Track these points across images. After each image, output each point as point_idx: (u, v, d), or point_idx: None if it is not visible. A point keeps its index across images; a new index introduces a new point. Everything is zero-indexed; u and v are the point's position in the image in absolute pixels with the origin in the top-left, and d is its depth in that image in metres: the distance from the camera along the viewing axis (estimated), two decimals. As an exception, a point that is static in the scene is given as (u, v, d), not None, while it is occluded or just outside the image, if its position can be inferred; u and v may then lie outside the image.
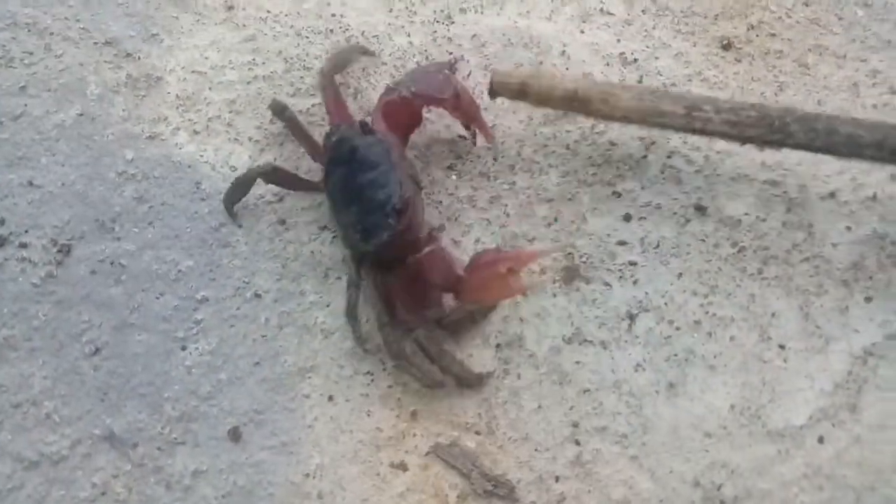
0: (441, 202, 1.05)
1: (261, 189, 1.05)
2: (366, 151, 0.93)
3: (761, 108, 0.97)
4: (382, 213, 0.90)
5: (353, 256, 0.96)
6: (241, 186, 1.02)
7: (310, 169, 1.05)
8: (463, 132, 1.07)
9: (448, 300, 0.96)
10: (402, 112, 0.99)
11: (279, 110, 1.03)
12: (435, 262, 0.93)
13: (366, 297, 0.95)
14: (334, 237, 1.03)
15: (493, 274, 0.89)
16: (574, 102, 0.98)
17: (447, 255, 0.94)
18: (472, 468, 0.94)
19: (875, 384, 0.97)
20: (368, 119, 0.99)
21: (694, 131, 0.98)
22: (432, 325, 0.95)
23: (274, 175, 1.01)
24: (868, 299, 1.00)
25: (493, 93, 1.00)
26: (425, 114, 1.04)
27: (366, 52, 1.11)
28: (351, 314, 0.95)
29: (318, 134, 1.03)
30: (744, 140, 0.98)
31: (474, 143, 1.06)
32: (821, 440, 0.95)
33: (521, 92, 0.99)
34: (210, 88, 1.11)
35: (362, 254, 0.94)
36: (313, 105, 1.09)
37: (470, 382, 0.97)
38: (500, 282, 0.89)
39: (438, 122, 1.08)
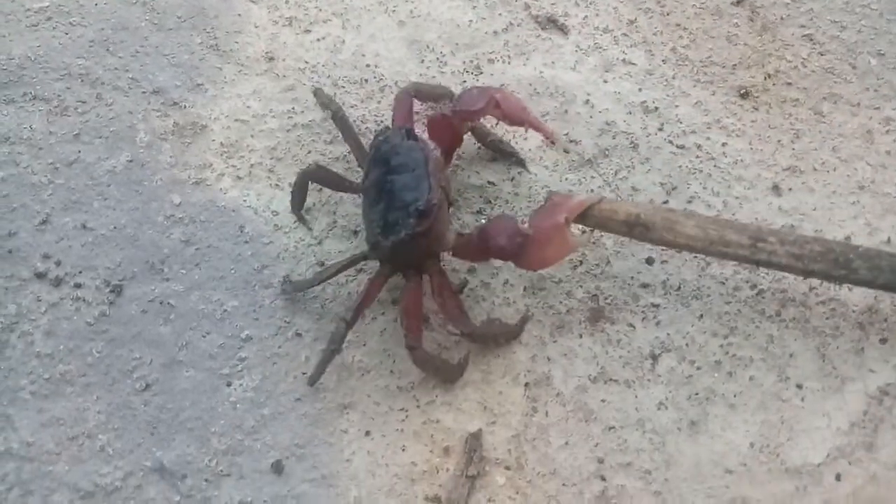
0: (471, 245, 1.11)
1: (300, 232, 1.11)
2: (405, 155, 0.98)
3: (824, 243, 0.98)
4: (405, 213, 0.95)
5: (371, 250, 1.01)
6: (297, 192, 1.10)
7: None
8: (492, 178, 1.13)
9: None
10: (445, 130, 1.05)
11: (333, 109, 1.12)
12: (501, 223, 0.97)
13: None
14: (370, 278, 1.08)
15: (555, 226, 0.95)
16: (636, 228, 0.99)
17: (514, 218, 0.98)
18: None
19: (891, 423, 1.01)
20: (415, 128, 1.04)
21: (758, 263, 0.99)
22: (464, 338, 1.02)
23: (318, 173, 1.09)
24: (883, 341, 1.04)
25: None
26: (455, 160, 1.10)
27: (452, 96, 1.14)
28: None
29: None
30: (807, 274, 0.99)
31: (552, 143, 1.14)
32: (838, 477, 0.99)
33: (581, 215, 1.00)
34: (252, 136, 1.17)
35: (379, 251, 0.99)
36: (349, 152, 1.15)
37: (510, 335, 1.05)
38: (561, 235, 0.95)
39: (469, 168, 1.14)
